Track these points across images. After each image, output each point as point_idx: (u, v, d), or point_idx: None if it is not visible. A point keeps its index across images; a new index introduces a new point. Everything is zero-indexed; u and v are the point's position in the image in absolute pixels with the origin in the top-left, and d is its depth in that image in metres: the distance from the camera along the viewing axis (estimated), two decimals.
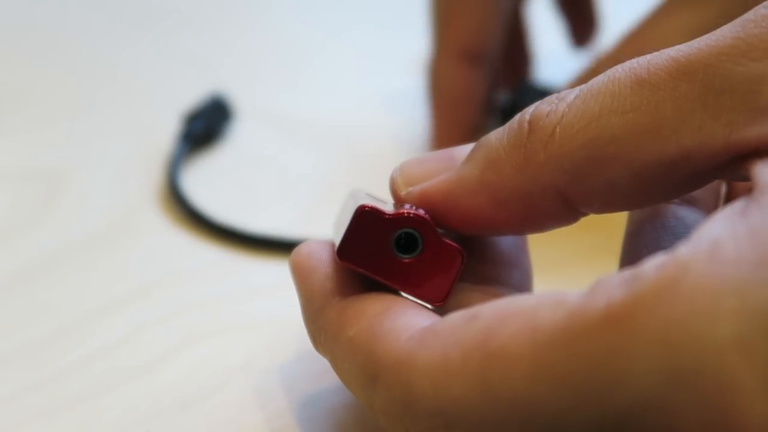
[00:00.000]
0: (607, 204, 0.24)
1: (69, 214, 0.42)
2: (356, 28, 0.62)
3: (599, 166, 0.23)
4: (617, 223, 0.31)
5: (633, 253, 0.27)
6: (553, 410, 0.20)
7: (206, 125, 0.47)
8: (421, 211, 0.25)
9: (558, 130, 0.23)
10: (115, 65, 0.56)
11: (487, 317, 0.21)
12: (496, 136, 0.25)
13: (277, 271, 0.38)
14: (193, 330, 0.34)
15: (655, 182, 0.23)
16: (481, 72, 0.45)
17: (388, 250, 0.25)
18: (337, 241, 0.26)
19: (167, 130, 0.47)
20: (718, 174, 0.23)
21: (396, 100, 0.51)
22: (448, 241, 0.25)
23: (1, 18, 0.62)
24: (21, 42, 0.59)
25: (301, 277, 0.27)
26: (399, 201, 0.27)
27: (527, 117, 0.24)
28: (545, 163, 0.23)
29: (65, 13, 0.63)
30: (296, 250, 0.27)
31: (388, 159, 0.27)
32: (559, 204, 0.24)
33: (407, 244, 0.25)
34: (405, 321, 0.23)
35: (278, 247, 0.39)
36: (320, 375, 0.31)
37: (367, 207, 0.25)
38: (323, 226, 0.38)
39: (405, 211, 0.25)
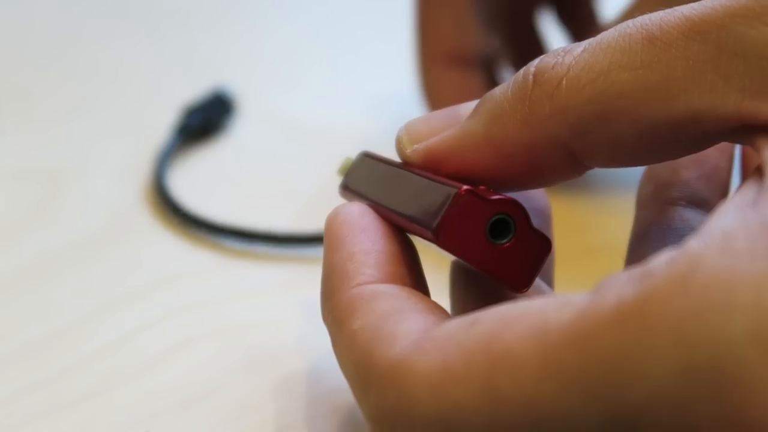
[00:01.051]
0: (611, 159, 0.24)
1: (69, 214, 0.42)
2: (359, 29, 0.62)
3: (605, 122, 0.23)
4: (620, 223, 0.30)
5: (639, 254, 0.27)
6: (564, 411, 0.20)
7: (204, 118, 0.47)
8: (510, 196, 0.25)
9: (564, 82, 0.23)
10: (116, 65, 0.56)
11: (490, 322, 0.21)
12: (501, 90, 0.24)
13: (277, 272, 0.38)
14: (193, 330, 0.34)
15: (661, 141, 0.23)
16: (474, 74, 0.44)
17: (482, 234, 0.24)
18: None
19: (168, 130, 0.47)
20: (726, 137, 0.23)
21: (397, 102, 0.51)
22: (538, 229, 0.25)
23: (2, 18, 0.62)
24: (21, 42, 0.59)
25: (328, 247, 0.26)
26: (404, 159, 0.26)
27: (532, 69, 0.24)
28: (550, 116, 0.23)
29: (66, 13, 0.63)
30: (334, 212, 0.27)
31: None
32: (564, 157, 0.24)
33: (498, 229, 0.24)
34: (409, 326, 0.23)
35: (274, 243, 0.39)
36: (321, 375, 0.31)
37: (466, 188, 0.24)
38: (320, 225, 0.37)
39: (501, 195, 0.24)
